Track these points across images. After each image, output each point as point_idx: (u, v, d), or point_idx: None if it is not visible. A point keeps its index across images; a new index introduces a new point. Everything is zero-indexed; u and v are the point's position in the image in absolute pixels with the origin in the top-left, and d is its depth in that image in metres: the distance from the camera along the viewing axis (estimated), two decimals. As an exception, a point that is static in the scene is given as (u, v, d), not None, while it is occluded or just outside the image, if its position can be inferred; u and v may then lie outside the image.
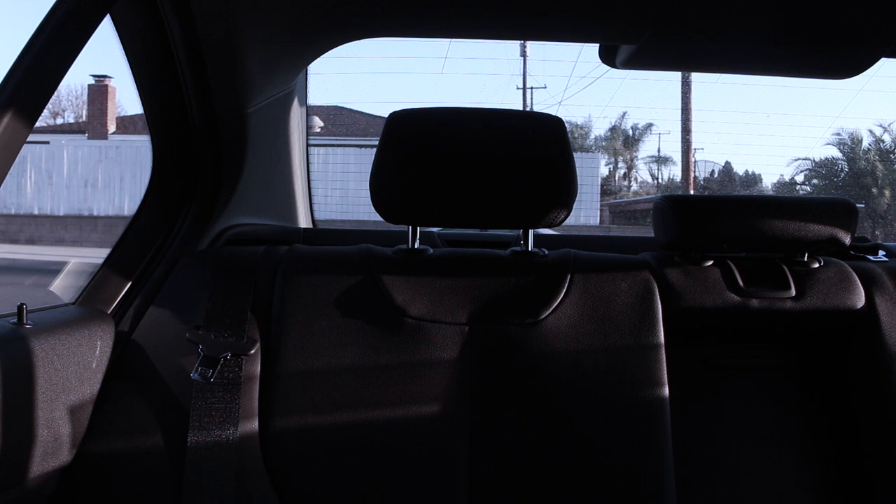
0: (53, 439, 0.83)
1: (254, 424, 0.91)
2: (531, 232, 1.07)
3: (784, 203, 1.07)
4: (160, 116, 1.10)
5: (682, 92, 12.47)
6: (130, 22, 0.98)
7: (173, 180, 1.14)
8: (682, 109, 12.55)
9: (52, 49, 0.77)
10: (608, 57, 1.23)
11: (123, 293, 1.02)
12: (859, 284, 1.06)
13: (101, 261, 1.04)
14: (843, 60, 1.16)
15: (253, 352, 0.93)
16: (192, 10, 0.98)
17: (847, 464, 1.07)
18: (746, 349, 1.14)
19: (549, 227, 1.02)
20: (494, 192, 0.98)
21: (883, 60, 1.15)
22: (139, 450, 0.89)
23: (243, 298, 0.97)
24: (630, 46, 1.16)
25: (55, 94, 0.78)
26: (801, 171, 18.10)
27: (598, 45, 1.23)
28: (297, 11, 1.09)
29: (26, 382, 0.78)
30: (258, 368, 0.94)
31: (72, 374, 0.85)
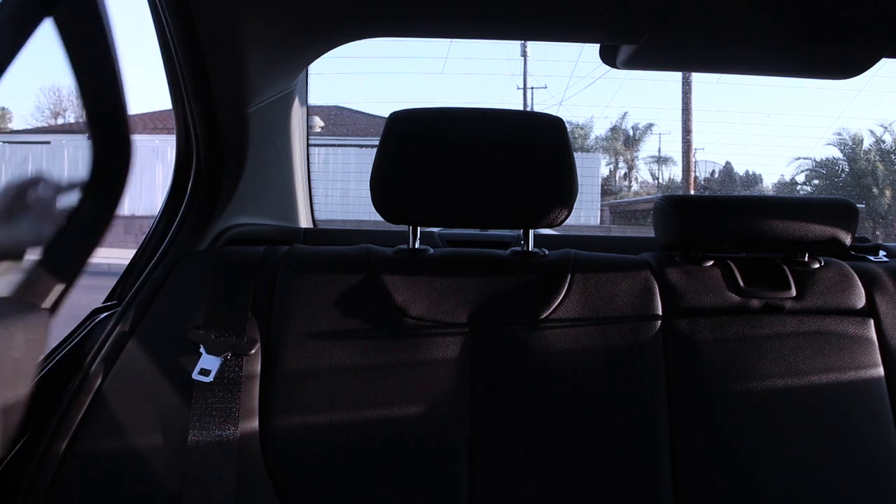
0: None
1: (254, 424, 0.91)
2: (531, 232, 1.07)
3: (785, 203, 1.07)
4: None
5: (683, 92, 12.47)
6: (131, 22, 0.98)
7: (173, 180, 1.14)
8: (683, 110, 12.56)
9: None
10: (608, 57, 1.23)
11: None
12: (860, 285, 1.06)
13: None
14: (843, 60, 1.16)
15: (253, 352, 0.93)
16: (192, 11, 0.98)
17: (847, 463, 1.07)
18: None
19: (550, 227, 1.02)
20: (495, 192, 0.98)
21: (883, 60, 1.15)
22: (139, 449, 0.89)
23: (243, 298, 0.97)
24: (630, 46, 1.16)
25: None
26: (802, 171, 18.10)
27: (598, 45, 1.23)
28: (297, 12, 1.09)
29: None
30: (258, 368, 0.94)
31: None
